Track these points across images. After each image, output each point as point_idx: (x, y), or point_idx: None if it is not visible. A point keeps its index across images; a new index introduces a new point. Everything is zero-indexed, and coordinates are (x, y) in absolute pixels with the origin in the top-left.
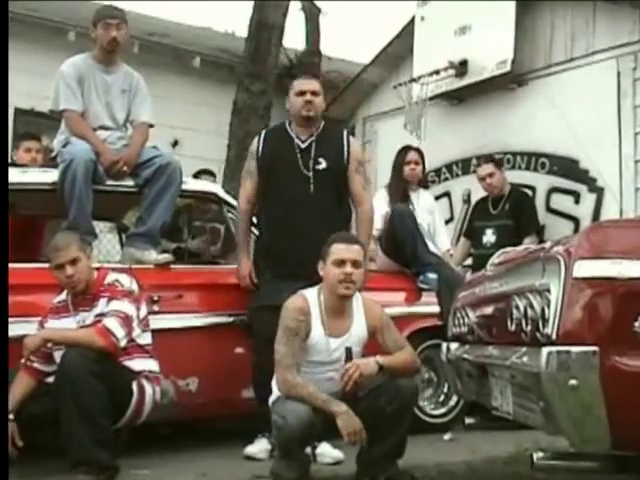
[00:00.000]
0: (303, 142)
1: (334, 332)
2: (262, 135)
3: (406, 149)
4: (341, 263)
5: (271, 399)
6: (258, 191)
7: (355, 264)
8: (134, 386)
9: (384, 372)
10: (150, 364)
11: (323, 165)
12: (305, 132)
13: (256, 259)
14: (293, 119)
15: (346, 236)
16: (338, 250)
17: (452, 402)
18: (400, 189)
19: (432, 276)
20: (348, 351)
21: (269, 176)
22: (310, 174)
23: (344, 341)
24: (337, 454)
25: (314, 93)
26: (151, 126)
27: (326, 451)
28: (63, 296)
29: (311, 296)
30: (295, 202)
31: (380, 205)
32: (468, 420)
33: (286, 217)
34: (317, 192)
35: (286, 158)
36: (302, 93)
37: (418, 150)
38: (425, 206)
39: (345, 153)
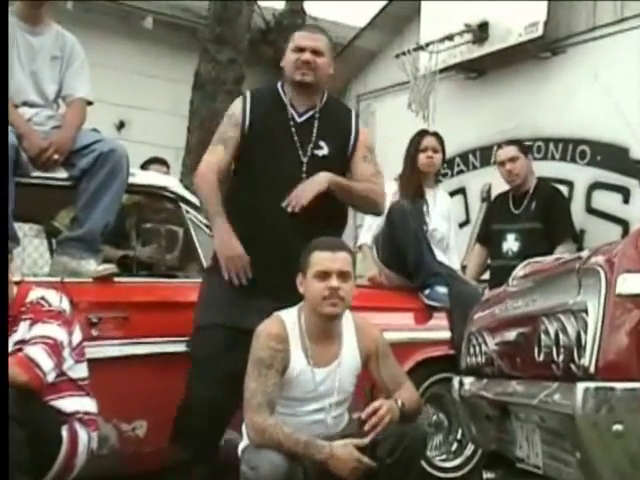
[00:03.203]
0: (300, 115)
1: (319, 361)
2: (249, 96)
3: (421, 134)
4: (325, 275)
5: (240, 446)
6: (229, 167)
7: (342, 276)
8: (64, 432)
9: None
10: (85, 404)
11: (324, 151)
12: (303, 102)
13: (214, 262)
14: (287, 83)
15: (330, 241)
16: (320, 259)
17: (467, 452)
18: (414, 183)
19: (441, 290)
20: (368, 390)
21: (253, 153)
22: (305, 160)
23: (332, 371)
24: None
25: (316, 52)
26: (90, 103)
27: None
28: None
29: (289, 319)
30: (283, 194)
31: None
32: (487, 475)
33: (268, 213)
34: None
35: (278, 133)
36: (300, 49)
37: (437, 135)
38: (441, 210)
39: (352, 138)
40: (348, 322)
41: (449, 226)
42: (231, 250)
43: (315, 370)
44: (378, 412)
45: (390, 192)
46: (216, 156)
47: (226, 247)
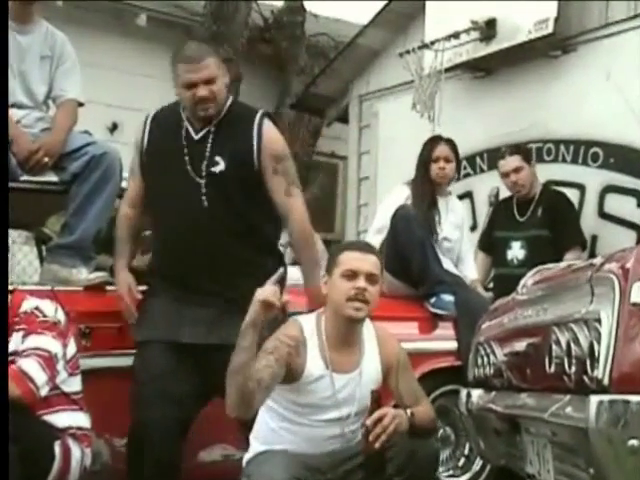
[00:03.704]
0: (197, 132)
1: (339, 368)
2: (148, 119)
3: (434, 141)
4: (352, 275)
5: (246, 457)
6: (143, 195)
7: (370, 278)
8: (56, 448)
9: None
10: (79, 418)
11: (220, 167)
12: (202, 118)
13: (150, 273)
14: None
15: (360, 243)
16: (349, 259)
17: (475, 467)
18: (426, 192)
19: (447, 298)
20: (374, 395)
21: (151, 178)
22: (202, 181)
23: (353, 379)
24: None
25: (209, 82)
26: (81, 104)
27: None
28: None
29: (308, 324)
30: (183, 220)
31: (397, 207)
32: None
33: (175, 240)
34: (212, 206)
35: (172, 155)
36: (191, 86)
37: (450, 142)
38: (454, 219)
39: (254, 149)
40: (370, 332)
41: (461, 235)
42: (121, 294)
43: (335, 375)
44: (382, 420)
45: (402, 197)
46: (129, 189)
47: (118, 289)
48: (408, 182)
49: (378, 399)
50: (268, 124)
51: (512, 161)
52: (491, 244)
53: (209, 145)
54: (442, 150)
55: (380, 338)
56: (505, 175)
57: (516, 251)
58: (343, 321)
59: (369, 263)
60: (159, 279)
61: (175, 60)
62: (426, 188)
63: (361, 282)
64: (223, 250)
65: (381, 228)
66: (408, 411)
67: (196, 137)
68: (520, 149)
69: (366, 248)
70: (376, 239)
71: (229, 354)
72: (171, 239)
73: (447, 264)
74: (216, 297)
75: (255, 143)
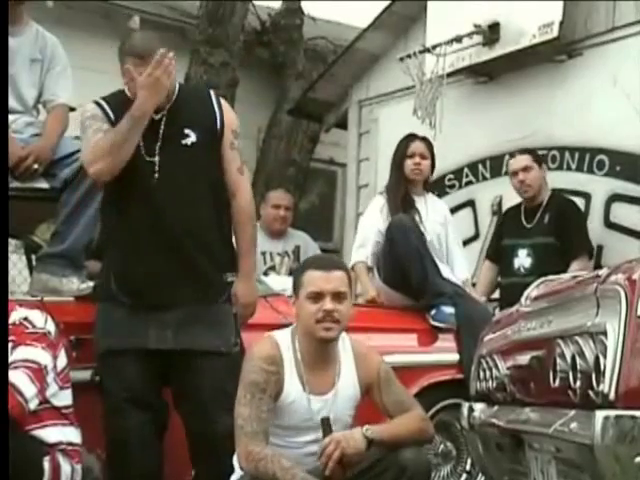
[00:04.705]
0: (156, 113)
1: (316, 388)
2: (104, 102)
3: (409, 138)
4: (318, 297)
5: (233, 478)
6: None
7: (337, 297)
8: (45, 464)
9: (376, 447)
10: (69, 433)
11: (192, 138)
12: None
13: (105, 277)
14: None
15: (324, 260)
16: (312, 279)
17: None
18: (401, 192)
19: (448, 310)
20: (324, 423)
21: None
22: (156, 159)
23: (329, 400)
24: None
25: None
26: (72, 109)
27: None
28: None
29: (283, 341)
30: (141, 206)
31: (374, 218)
32: None
33: (137, 227)
34: (186, 179)
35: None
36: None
37: (425, 140)
38: (436, 218)
39: (218, 119)
40: (346, 348)
41: (446, 233)
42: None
43: (312, 397)
44: (324, 451)
45: (377, 207)
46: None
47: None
48: (382, 190)
49: (329, 426)
50: (222, 100)
51: (522, 160)
52: (498, 252)
53: (163, 124)
54: (417, 146)
55: (357, 353)
56: (513, 174)
57: (522, 259)
58: (314, 342)
59: (334, 281)
60: (116, 290)
61: (125, 53)
62: (401, 188)
63: (327, 304)
64: (190, 238)
65: (363, 242)
66: (364, 428)
67: (156, 117)
68: (531, 150)
69: (330, 265)
70: (361, 253)
71: (195, 358)
72: (130, 237)
73: (446, 272)
74: (173, 297)
75: (218, 114)
